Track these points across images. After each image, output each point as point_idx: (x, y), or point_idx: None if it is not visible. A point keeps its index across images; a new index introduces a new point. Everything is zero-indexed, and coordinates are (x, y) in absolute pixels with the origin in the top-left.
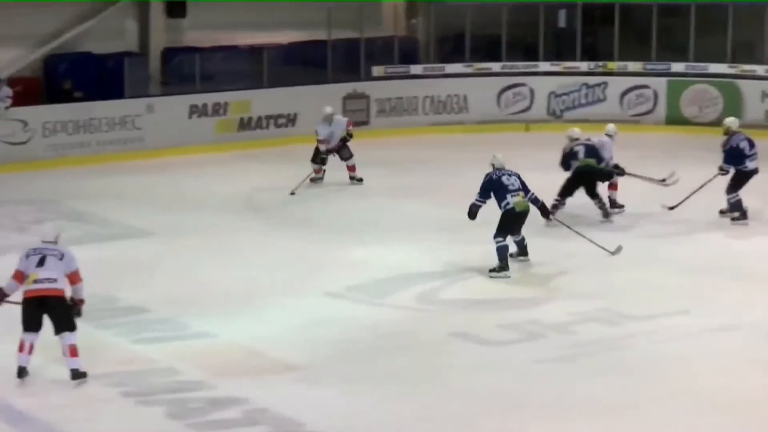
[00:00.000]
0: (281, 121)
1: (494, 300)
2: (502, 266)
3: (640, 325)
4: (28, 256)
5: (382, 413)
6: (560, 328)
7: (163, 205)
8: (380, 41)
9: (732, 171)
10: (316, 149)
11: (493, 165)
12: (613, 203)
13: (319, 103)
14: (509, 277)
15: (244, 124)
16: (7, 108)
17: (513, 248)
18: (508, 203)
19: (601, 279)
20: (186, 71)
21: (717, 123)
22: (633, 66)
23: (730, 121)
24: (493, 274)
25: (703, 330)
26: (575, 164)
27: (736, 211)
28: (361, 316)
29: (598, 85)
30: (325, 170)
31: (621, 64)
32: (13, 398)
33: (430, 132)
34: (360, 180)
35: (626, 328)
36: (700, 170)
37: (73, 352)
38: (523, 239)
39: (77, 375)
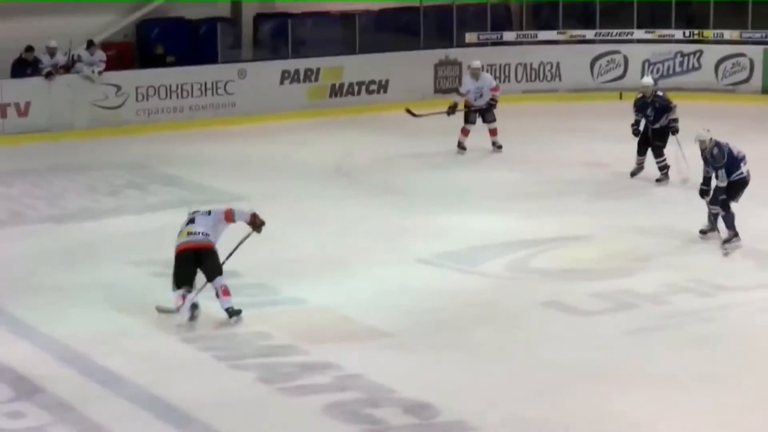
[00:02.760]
0: (372, 87)
1: (584, 270)
2: (732, 235)
3: (731, 296)
4: None
5: (470, 383)
6: (651, 299)
7: (253, 171)
8: (472, 8)
9: None
10: (464, 108)
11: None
12: None
13: (411, 70)
14: (741, 246)
15: (336, 91)
16: (100, 73)
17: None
18: (741, 173)
19: (693, 249)
20: (277, 37)
21: None
22: (729, 34)
23: None
24: (726, 245)
25: None
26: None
27: None
28: (452, 284)
29: (693, 53)
30: (469, 131)
31: (717, 32)
32: (105, 360)
33: (522, 100)
34: (500, 147)
35: (717, 300)
36: None
37: (225, 292)
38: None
39: (233, 312)
